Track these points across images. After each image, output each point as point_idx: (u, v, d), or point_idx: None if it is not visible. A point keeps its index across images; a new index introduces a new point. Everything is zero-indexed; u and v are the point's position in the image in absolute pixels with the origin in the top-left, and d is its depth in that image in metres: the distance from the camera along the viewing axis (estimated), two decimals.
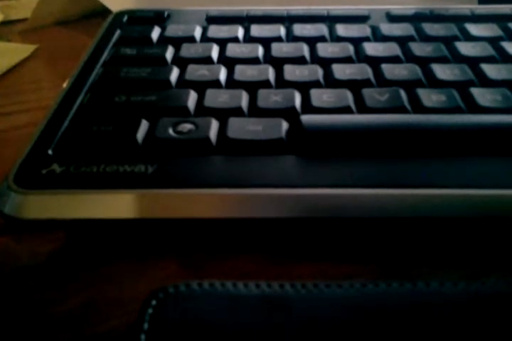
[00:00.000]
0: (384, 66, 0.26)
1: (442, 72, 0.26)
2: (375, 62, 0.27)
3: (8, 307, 0.18)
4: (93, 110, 0.24)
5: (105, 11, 0.38)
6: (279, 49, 0.28)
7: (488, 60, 0.27)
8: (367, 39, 0.30)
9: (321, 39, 0.30)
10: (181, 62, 0.28)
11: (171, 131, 0.22)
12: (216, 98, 0.24)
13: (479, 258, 0.20)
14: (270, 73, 0.26)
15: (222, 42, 0.29)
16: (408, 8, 0.33)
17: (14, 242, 0.21)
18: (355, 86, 0.25)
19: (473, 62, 0.27)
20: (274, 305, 0.15)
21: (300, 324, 0.15)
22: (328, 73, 0.26)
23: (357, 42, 0.29)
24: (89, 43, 0.31)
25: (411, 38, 0.30)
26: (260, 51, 0.28)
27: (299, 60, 0.28)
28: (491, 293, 0.16)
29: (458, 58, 0.27)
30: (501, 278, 0.17)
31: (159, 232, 0.21)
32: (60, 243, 0.21)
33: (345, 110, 0.23)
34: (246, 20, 0.32)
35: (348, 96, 0.24)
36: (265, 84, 0.26)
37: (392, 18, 0.32)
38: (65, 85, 0.27)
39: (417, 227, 0.20)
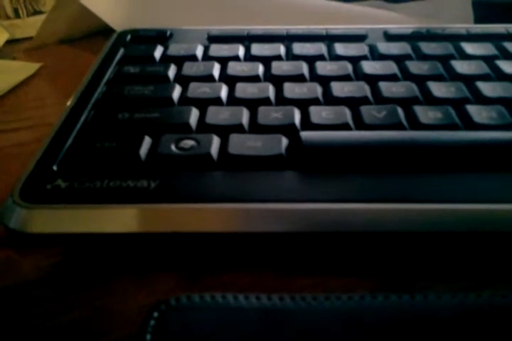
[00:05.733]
0: (381, 84, 0.27)
1: (438, 89, 0.26)
2: (372, 80, 0.27)
3: (11, 320, 0.18)
4: (97, 127, 0.25)
5: (108, 30, 0.39)
6: (279, 67, 0.29)
7: (484, 78, 0.28)
8: (365, 57, 0.30)
9: (320, 57, 0.30)
10: (183, 80, 0.28)
11: (173, 147, 0.23)
12: (217, 115, 0.25)
13: (476, 272, 0.20)
14: (270, 91, 0.27)
15: (224, 61, 0.30)
16: (405, 27, 0.34)
17: (18, 256, 0.21)
18: (353, 103, 0.25)
19: (469, 80, 0.27)
20: (274, 317, 0.16)
21: (299, 336, 0.15)
22: (327, 91, 0.27)
23: (355, 60, 0.30)
24: (93, 61, 0.31)
25: (408, 57, 0.30)
26: (260, 69, 0.29)
27: (299, 78, 0.28)
28: (488, 306, 0.16)
29: (454, 76, 0.28)
30: (498, 290, 0.17)
31: (161, 246, 0.21)
32: (63, 256, 0.21)
33: (344, 127, 0.24)
34: (247, 39, 0.33)
35: (346, 114, 0.25)
36: (265, 101, 0.26)
37: (390, 37, 0.33)
38: (69, 103, 0.27)
39: (416, 241, 0.20)
